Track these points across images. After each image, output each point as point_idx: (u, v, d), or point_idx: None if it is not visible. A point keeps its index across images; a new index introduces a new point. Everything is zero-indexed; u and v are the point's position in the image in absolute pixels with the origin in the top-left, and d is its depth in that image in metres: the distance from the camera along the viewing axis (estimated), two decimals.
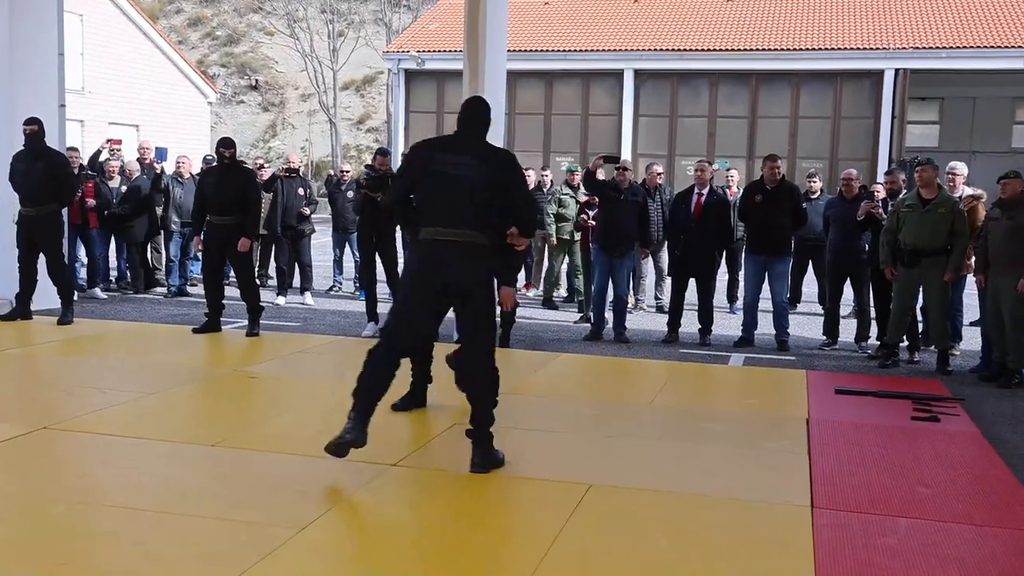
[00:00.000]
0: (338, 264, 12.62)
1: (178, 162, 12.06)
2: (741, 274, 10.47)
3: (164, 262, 12.04)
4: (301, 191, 11.27)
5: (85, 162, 12.15)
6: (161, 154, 12.42)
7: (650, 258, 11.15)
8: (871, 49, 24.89)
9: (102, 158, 12.00)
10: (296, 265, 11.62)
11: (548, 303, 11.78)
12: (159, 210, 11.77)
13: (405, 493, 4.58)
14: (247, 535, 3.91)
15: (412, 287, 4.73)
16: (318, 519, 4.10)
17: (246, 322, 8.85)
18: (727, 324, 10.31)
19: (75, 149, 11.48)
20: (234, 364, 7.66)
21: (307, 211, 11.24)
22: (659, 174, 11.07)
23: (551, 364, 7.95)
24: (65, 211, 9.53)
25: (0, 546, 3.76)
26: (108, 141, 12.30)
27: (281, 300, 11.18)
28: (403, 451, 5.13)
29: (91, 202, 11.11)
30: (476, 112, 4.90)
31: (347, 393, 4.72)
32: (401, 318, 4.76)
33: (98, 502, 4.25)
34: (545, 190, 12.20)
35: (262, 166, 13.13)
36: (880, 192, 9.82)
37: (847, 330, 9.49)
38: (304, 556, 3.78)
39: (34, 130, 8.81)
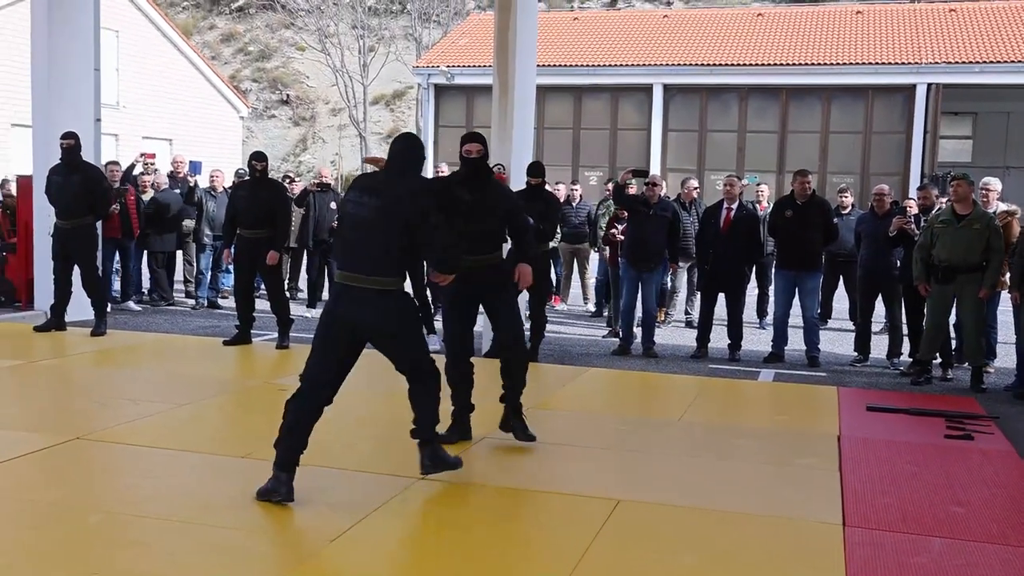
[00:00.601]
0: None
1: (212, 176, 12.22)
2: (771, 289, 10.41)
3: (195, 274, 12.16)
4: (333, 205, 11.33)
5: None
6: (195, 167, 12.54)
7: (684, 273, 11.12)
8: (903, 64, 24.72)
9: (136, 171, 12.14)
10: (326, 278, 11.70)
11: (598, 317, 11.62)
12: (192, 223, 11.91)
13: (432, 507, 4.59)
14: (276, 547, 3.93)
15: (327, 337, 4.52)
16: (346, 531, 4.11)
17: (276, 334, 8.90)
18: (757, 340, 10.24)
19: (116, 163, 11.59)
20: (264, 376, 7.72)
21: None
22: (695, 188, 11.09)
23: (579, 379, 7.93)
24: (100, 224, 9.64)
25: (34, 554, 3.81)
26: (142, 155, 12.44)
27: (310, 313, 11.24)
28: None
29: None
30: (400, 148, 4.60)
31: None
32: (319, 366, 4.54)
33: (131, 512, 4.28)
34: (574, 204, 12.21)
35: (292, 180, 13.26)
36: (912, 208, 9.74)
37: (879, 346, 9.40)
38: (332, 568, 3.80)
39: (71, 144, 8.94)
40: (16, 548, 3.86)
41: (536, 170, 8.55)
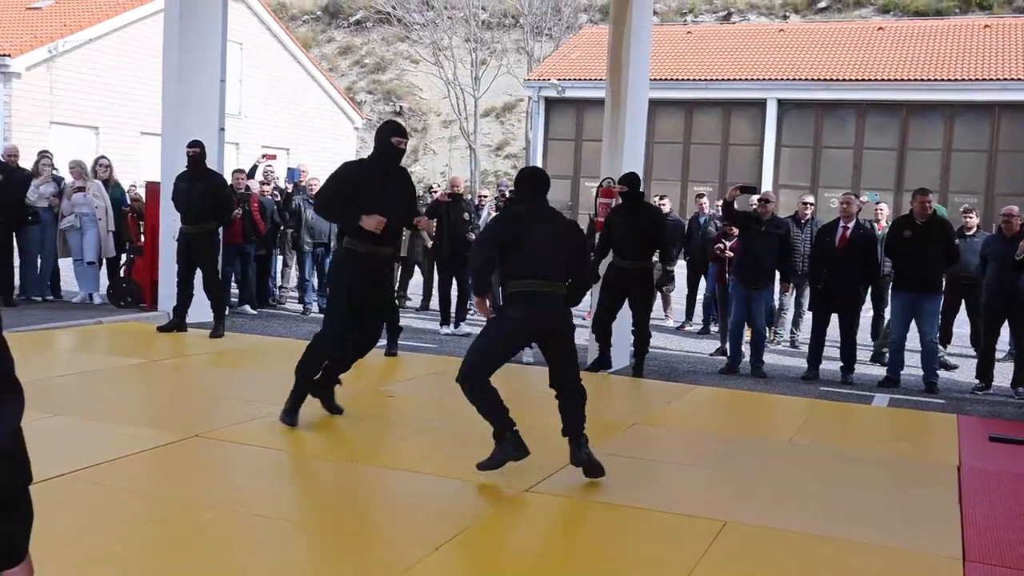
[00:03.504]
0: None
1: (309, 184, 12.38)
2: (887, 311, 10.08)
3: (299, 281, 12.33)
4: (465, 216, 10.99)
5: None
6: (293, 175, 12.64)
7: (795, 292, 10.85)
8: None
9: (258, 174, 12.45)
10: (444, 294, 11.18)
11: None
12: (291, 231, 12.05)
13: (537, 519, 4.58)
14: (382, 551, 3.98)
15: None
16: (451, 540, 4.14)
17: (385, 342, 9.03)
18: (871, 363, 9.92)
19: (242, 171, 11.87)
20: (372, 382, 7.84)
21: (472, 236, 11.05)
22: (810, 205, 10.89)
23: (686, 396, 7.82)
24: (221, 230, 9.96)
25: (150, 547, 3.95)
26: (264, 156, 12.73)
27: (445, 330, 10.91)
28: (537, 476, 5.12)
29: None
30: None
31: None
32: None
33: (243, 510, 4.40)
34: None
35: None
36: None
37: (1002, 374, 8.99)
38: None
39: (196, 152, 9.28)
40: (134, 541, 4.00)
41: (627, 178, 8.44)
